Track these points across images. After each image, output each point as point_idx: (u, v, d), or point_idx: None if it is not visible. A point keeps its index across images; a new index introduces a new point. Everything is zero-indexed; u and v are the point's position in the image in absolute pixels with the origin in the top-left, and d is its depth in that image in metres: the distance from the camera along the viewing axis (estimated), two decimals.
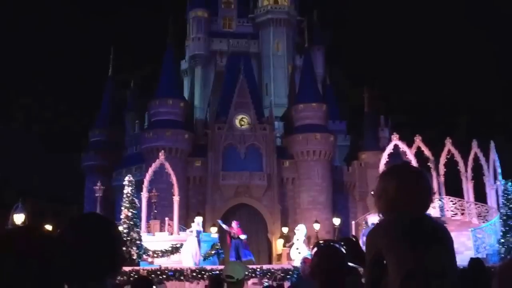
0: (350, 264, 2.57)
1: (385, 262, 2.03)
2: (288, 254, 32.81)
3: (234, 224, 24.39)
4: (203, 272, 20.02)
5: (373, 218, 25.01)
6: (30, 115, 76.44)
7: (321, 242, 2.88)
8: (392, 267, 1.99)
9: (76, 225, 1.76)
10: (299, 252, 24.56)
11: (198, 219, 25.20)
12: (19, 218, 25.00)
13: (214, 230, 32.91)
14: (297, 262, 24.45)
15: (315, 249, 2.89)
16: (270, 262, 35.13)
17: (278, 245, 37.12)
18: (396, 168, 2.25)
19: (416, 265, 1.95)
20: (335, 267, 2.76)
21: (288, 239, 37.58)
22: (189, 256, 22.60)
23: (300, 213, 39.53)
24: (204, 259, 24.04)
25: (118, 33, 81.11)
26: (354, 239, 2.53)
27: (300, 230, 24.88)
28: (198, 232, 24.06)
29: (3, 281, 1.41)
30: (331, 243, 2.85)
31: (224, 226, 25.23)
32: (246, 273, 7.52)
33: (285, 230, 37.70)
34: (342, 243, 2.56)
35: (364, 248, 2.26)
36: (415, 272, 1.95)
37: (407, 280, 1.94)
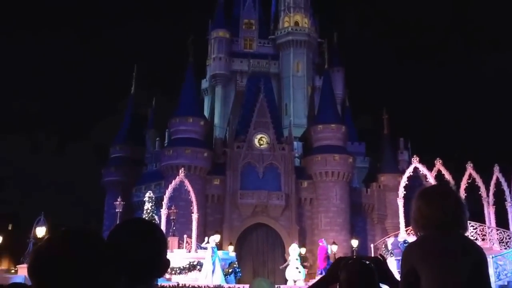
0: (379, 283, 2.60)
1: (418, 276, 2.19)
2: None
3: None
4: None
5: (393, 241, 24.78)
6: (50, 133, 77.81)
7: (346, 257, 2.68)
8: (425, 280, 2.16)
9: (124, 228, 1.80)
10: (299, 271, 25.12)
11: (215, 237, 25.22)
12: (41, 231, 25.50)
13: (231, 248, 32.93)
14: (300, 282, 24.69)
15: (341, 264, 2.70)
16: (286, 283, 34.90)
17: None
18: (428, 189, 2.41)
19: (446, 279, 2.12)
20: (366, 284, 2.60)
21: (305, 260, 37.37)
22: (210, 274, 22.65)
23: (317, 234, 39.26)
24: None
25: (141, 52, 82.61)
26: (382, 258, 2.53)
27: (295, 250, 25.84)
28: (213, 250, 24.03)
29: (58, 281, 1.43)
30: (361, 260, 2.73)
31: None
32: None
33: (302, 251, 37.49)
34: (370, 261, 2.56)
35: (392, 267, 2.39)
36: (446, 285, 2.11)
37: None
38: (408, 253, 2.27)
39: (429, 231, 2.27)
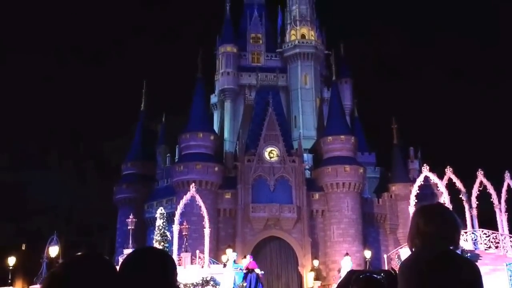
0: None
1: None
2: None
3: (248, 257, 24.83)
4: None
5: (406, 251, 24.68)
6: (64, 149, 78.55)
7: (357, 271, 2.76)
8: None
9: (136, 259, 1.89)
10: None
11: (229, 252, 25.34)
12: (54, 251, 25.73)
13: (245, 262, 32.91)
14: None
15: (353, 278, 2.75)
16: None
17: (309, 278, 36.77)
18: (427, 207, 2.50)
19: None
20: None
21: (319, 272, 37.22)
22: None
23: (330, 246, 39.17)
24: None
25: (150, 68, 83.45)
26: (393, 272, 2.65)
27: (348, 262, 26.13)
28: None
29: None
30: (372, 275, 2.76)
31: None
32: None
33: (316, 263, 37.38)
34: (382, 274, 2.65)
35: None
36: None
37: None
38: (401, 269, 2.36)
39: (423, 248, 2.35)
